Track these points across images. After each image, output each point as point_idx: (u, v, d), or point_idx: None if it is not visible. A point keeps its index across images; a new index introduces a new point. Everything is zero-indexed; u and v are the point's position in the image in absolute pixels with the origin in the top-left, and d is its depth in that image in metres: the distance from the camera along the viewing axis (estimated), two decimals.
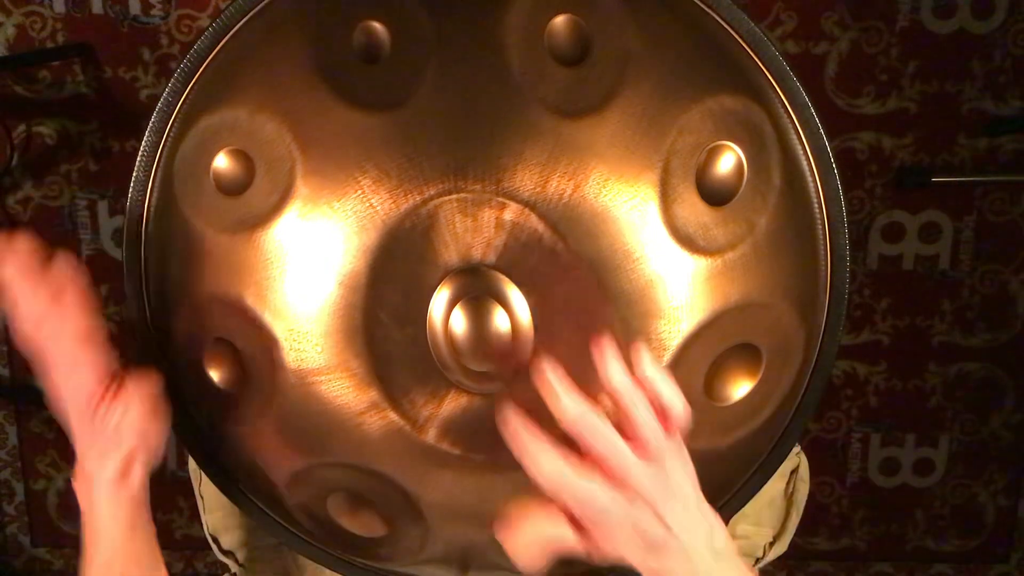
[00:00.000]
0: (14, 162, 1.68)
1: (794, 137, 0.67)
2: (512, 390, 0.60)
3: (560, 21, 0.62)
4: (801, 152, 0.67)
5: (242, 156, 0.65)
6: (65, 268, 0.66)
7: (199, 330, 0.69)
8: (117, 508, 0.68)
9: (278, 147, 0.64)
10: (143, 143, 0.70)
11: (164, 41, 1.63)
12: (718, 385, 0.67)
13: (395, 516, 0.71)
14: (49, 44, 1.64)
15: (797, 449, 0.94)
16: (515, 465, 0.61)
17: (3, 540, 1.88)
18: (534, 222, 0.61)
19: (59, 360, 0.66)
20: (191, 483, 0.94)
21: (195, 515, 1.20)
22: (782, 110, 0.66)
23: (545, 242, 0.61)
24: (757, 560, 0.95)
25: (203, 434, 0.74)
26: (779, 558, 0.98)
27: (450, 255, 0.62)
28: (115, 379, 0.67)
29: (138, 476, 0.68)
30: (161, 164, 0.69)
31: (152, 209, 0.70)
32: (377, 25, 0.63)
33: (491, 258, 0.62)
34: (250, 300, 0.65)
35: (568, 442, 0.57)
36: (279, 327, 0.65)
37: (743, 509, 0.75)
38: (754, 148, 0.65)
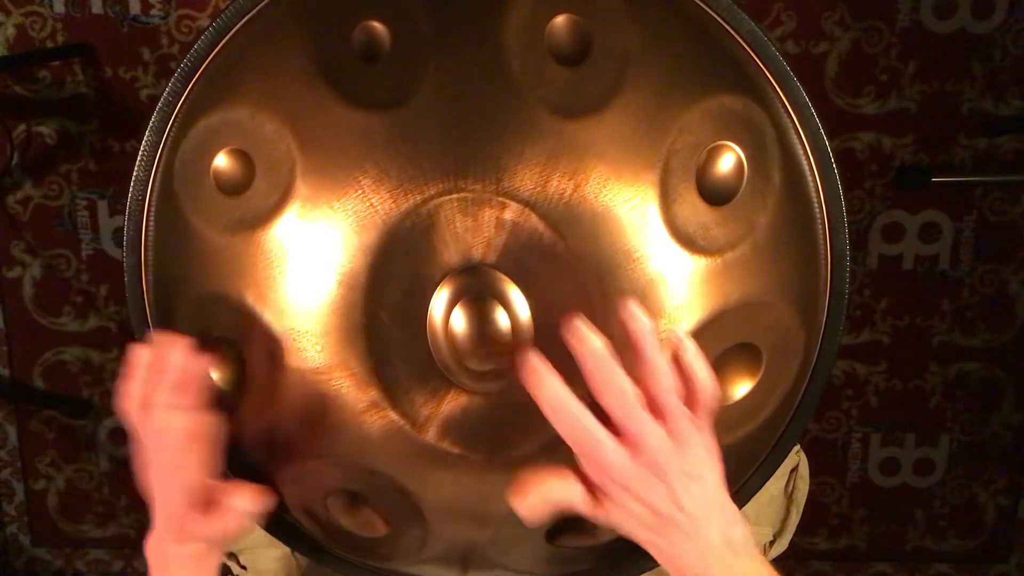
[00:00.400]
0: (14, 162, 1.68)
1: (794, 137, 0.67)
2: (516, 385, 0.60)
3: (560, 21, 0.62)
4: (801, 152, 0.67)
5: (242, 156, 0.65)
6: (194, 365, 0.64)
7: (199, 330, 0.69)
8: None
9: (278, 147, 0.64)
10: (143, 143, 0.70)
11: (164, 41, 1.63)
12: (718, 384, 0.67)
13: (395, 515, 0.71)
14: (49, 44, 1.64)
15: (797, 448, 0.94)
16: (515, 464, 0.61)
17: (3, 540, 1.88)
18: (534, 222, 0.61)
19: (163, 453, 0.64)
20: None
21: None
22: (782, 110, 0.67)
23: (545, 242, 0.61)
24: None
25: None
26: (779, 557, 0.98)
27: (450, 254, 0.62)
28: (216, 492, 0.65)
29: (214, 559, 0.67)
30: (161, 164, 0.70)
31: (152, 209, 0.70)
32: (377, 25, 0.63)
33: (491, 257, 0.62)
34: (250, 299, 0.65)
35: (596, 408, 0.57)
36: (279, 326, 0.65)
37: (743, 508, 0.75)
38: (754, 148, 0.65)
